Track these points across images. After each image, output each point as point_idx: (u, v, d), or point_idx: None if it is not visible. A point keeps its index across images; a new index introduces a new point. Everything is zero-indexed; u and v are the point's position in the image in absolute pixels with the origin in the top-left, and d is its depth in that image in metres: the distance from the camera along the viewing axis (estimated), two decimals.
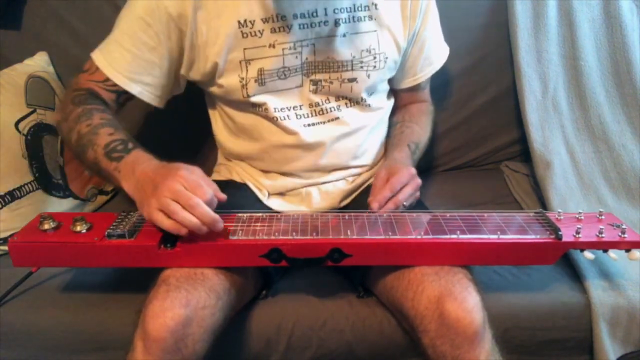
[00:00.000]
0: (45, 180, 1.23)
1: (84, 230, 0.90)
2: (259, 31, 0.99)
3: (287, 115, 1.07)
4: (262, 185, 1.13)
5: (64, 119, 1.01)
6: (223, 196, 0.88)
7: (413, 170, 1.01)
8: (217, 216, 0.84)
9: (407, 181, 0.98)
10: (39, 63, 1.33)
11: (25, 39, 1.36)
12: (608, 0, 1.39)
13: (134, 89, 1.03)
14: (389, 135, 1.20)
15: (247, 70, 1.01)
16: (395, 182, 0.97)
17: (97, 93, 1.04)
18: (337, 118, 1.10)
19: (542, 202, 1.28)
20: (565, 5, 1.40)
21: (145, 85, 1.03)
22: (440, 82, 1.42)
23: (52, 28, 1.36)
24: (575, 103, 1.40)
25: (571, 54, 1.40)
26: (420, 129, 1.19)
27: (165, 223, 0.83)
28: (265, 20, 0.99)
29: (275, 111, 1.06)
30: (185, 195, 0.81)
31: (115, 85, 1.02)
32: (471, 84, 1.47)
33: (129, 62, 1.01)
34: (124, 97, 1.05)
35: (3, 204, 1.15)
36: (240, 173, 1.16)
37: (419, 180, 1.01)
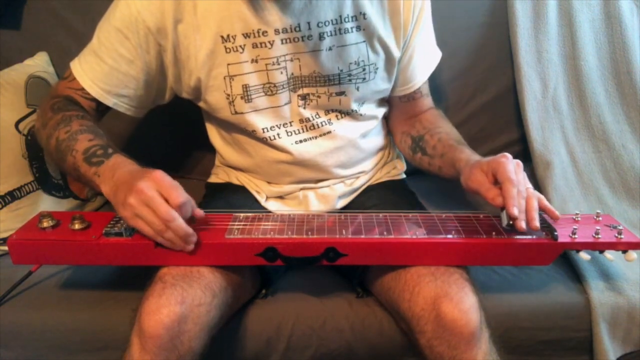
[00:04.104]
0: (45, 180, 1.23)
1: (82, 229, 0.90)
2: (241, 46, 0.97)
3: (277, 134, 1.06)
4: (260, 189, 1.13)
5: (43, 126, 0.99)
6: (201, 213, 0.88)
7: (502, 155, 0.90)
8: (191, 230, 0.84)
9: (513, 167, 0.87)
10: (39, 63, 1.33)
11: (25, 39, 1.36)
12: (608, 0, 1.39)
13: (109, 101, 1.02)
14: (423, 153, 1.12)
15: (231, 87, 1.00)
16: (509, 175, 0.85)
17: (75, 100, 1.03)
18: (329, 132, 1.08)
19: None
20: (565, 5, 1.40)
21: (121, 97, 1.02)
22: (441, 82, 1.42)
23: (52, 28, 1.36)
24: (575, 103, 1.40)
25: (571, 54, 1.40)
26: (450, 128, 1.13)
27: (147, 231, 0.83)
28: (246, 36, 0.97)
29: (264, 132, 1.05)
30: (157, 203, 0.81)
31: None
32: (471, 84, 1.47)
33: (106, 74, 0.99)
34: (104, 107, 1.04)
35: (3, 204, 1.15)
36: (238, 176, 1.16)
37: (516, 161, 0.90)
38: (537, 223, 0.85)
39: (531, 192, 0.88)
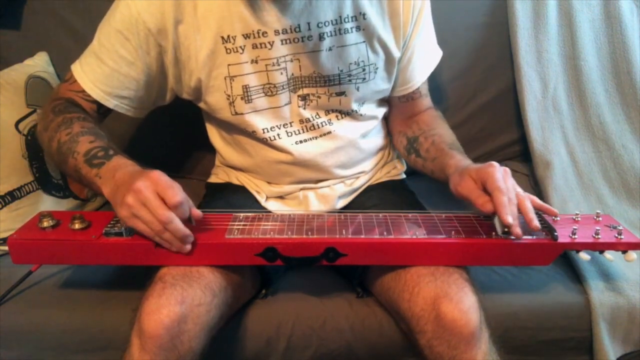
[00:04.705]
0: (45, 180, 1.23)
1: (82, 228, 0.90)
2: (241, 47, 0.97)
3: (278, 134, 1.06)
4: (260, 189, 1.13)
5: (45, 129, 0.99)
6: (199, 213, 0.88)
7: (489, 165, 0.90)
8: (188, 232, 0.84)
9: (501, 175, 0.87)
10: (39, 63, 1.32)
11: (25, 39, 1.36)
12: (608, 0, 1.39)
13: (110, 103, 1.02)
14: (417, 155, 1.12)
15: (231, 88, 1.00)
16: (498, 185, 0.86)
17: (77, 102, 1.02)
18: (329, 132, 1.08)
19: None
20: (565, 5, 1.40)
21: (122, 99, 1.02)
22: (441, 82, 1.42)
23: (52, 28, 1.36)
24: (575, 103, 1.40)
25: (571, 54, 1.40)
26: (444, 130, 1.13)
27: (146, 231, 0.84)
28: (246, 36, 0.97)
29: (264, 132, 1.05)
30: (154, 205, 0.81)
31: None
32: (471, 84, 1.47)
33: (107, 75, 0.99)
34: (105, 108, 1.03)
35: (3, 204, 1.15)
36: (238, 176, 1.16)
37: (504, 168, 0.90)
38: (536, 223, 0.85)
39: (522, 195, 0.88)
